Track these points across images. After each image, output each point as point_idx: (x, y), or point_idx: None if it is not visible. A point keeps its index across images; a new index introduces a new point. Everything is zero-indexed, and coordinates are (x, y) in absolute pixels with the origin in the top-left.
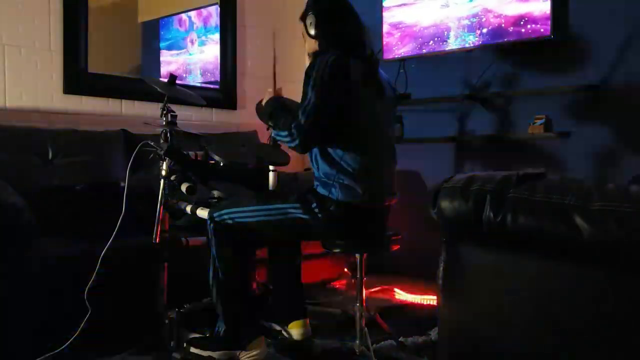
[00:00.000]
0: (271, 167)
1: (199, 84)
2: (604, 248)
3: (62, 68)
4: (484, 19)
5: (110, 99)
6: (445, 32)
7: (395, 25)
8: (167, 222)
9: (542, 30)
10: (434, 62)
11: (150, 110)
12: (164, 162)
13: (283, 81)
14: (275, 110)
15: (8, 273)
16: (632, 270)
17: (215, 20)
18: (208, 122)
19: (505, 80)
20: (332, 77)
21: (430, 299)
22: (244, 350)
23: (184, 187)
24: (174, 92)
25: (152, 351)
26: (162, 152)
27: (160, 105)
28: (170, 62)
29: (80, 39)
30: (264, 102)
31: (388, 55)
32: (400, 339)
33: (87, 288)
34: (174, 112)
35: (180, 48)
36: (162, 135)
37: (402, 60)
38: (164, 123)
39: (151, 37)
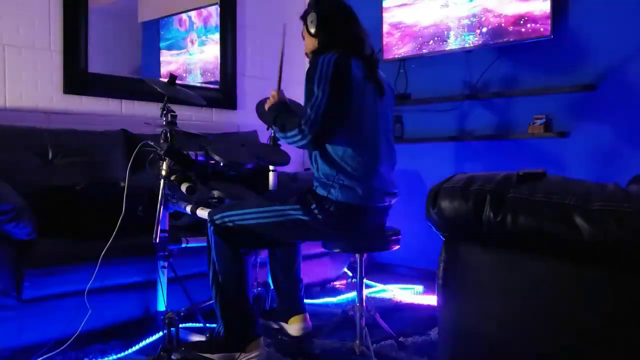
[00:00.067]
0: (271, 167)
1: (199, 84)
2: (604, 248)
3: (62, 68)
4: (483, 19)
5: (110, 99)
6: (445, 32)
7: (395, 25)
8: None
9: (541, 29)
10: (434, 62)
11: (150, 110)
12: (164, 162)
13: (283, 81)
14: (281, 113)
15: (8, 273)
16: (632, 270)
17: (215, 20)
18: (208, 122)
19: (505, 80)
20: (335, 73)
21: (430, 299)
22: (243, 352)
23: (184, 187)
24: (174, 92)
25: (152, 351)
26: (162, 152)
27: (160, 105)
28: (170, 62)
29: (80, 39)
30: (267, 105)
31: (388, 55)
32: (400, 339)
33: (87, 288)
34: (174, 112)
35: (180, 48)
36: (162, 135)
37: (402, 60)
38: (164, 123)
39: (151, 37)
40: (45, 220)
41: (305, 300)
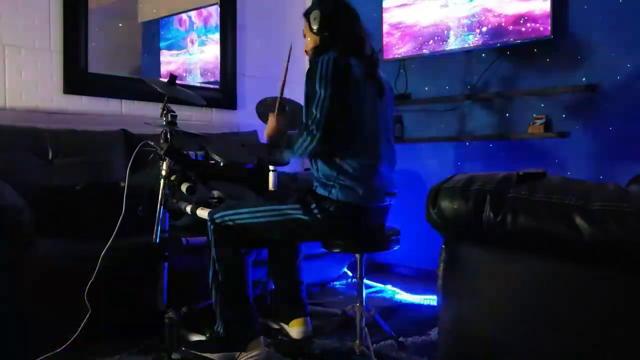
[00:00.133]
0: (271, 167)
1: (199, 84)
2: (604, 248)
3: (62, 68)
4: (483, 18)
5: (110, 99)
6: (445, 32)
7: (395, 26)
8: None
9: (541, 29)
10: (434, 62)
11: (150, 110)
12: (164, 162)
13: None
14: (281, 139)
15: (8, 273)
16: (632, 270)
17: (215, 20)
18: (208, 122)
19: (505, 80)
20: (335, 72)
21: (430, 299)
22: (243, 352)
23: (184, 187)
24: (174, 92)
25: (152, 351)
26: (162, 152)
27: (160, 105)
28: (170, 62)
29: (80, 39)
30: (266, 134)
31: (388, 55)
32: (400, 339)
33: (87, 288)
34: (174, 112)
35: (180, 48)
36: (162, 135)
37: (402, 60)
38: (164, 123)
39: (151, 37)
40: (45, 220)
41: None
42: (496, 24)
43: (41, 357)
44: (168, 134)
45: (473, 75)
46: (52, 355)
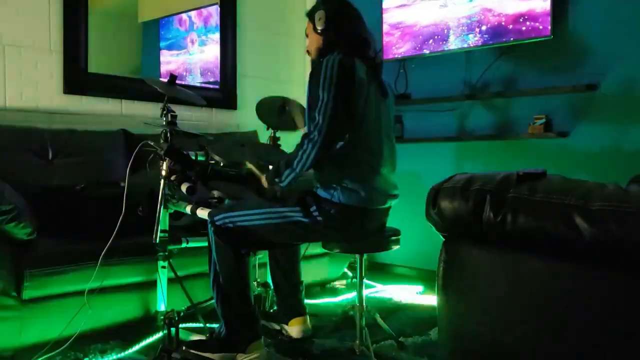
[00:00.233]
0: (271, 167)
1: (199, 84)
2: (604, 248)
3: (62, 68)
4: (482, 18)
5: (110, 99)
6: (445, 31)
7: (395, 26)
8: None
9: (540, 28)
10: (434, 62)
11: (150, 110)
12: (164, 162)
13: (283, 81)
14: (278, 163)
15: (8, 273)
16: (632, 270)
17: (215, 20)
18: (208, 122)
19: (505, 80)
20: (340, 75)
21: (430, 299)
22: (243, 353)
23: (184, 187)
24: (174, 92)
25: (152, 351)
26: (162, 152)
27: (160, 105)
28: (170, 62)
29: (80, 39)
30: (265, 182)
31: (388, 55)
32: (400, 339)
33: (87, 288)
34: (174, 112)
35: (180, 48)
36: (162, 135)
37: (402, 60)
38: (164, 123)
39: (151, 37)
40: (45, 220)
41: (306, 301)
42: (496, 23)
43: (41, 357)
44: (168, 134)
45: (473, 75)
46: (52, 355)
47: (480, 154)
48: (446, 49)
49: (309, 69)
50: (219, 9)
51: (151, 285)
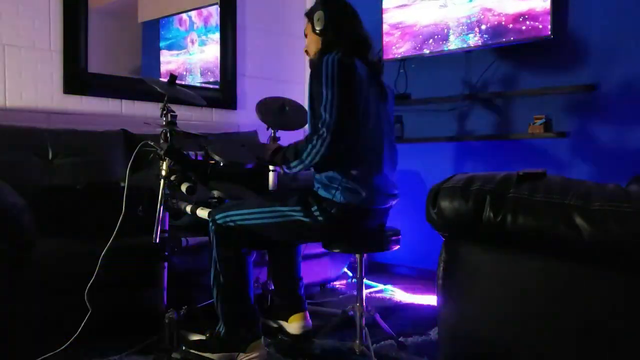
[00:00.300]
0: (271, 167)
1: (199, 84)
2: (604, 248)
3: (62, 68)
4: (482, 17)
5: (110, 99)
6: (445, 30)
7: (395, 25)
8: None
9: (540, 27)
10: (434, 62)
11: (150, 110)
12: (164, 162)
13: (283, 81)
14: (283, 149)
15: (8, 273)
16: (632, 270)
17: (215, 20)
18: (208, 122)
19: (505, 80)
20: (340, 73)
21: (430, 299)
22: (243, 353)
23: (184, 187)
24: (174, 92)
25: (152, 351)
26: (162, 152)
27: (160, 105)
28: (170, 61)
29: (80, 39)
30: (267, 155)
31: (388, 55)
32: (400, 339)
33: (87, 288)
34: (174, 112)
35: (180, 48)
36: (162, 135)
37: (402, 60)
38: (164, 123)
39: (151, 37)
40: (45, 220)
41: (306, 301)
42: (495, 22)
43: (41, 357)
44: (168, 134)
45: (473, 75)
46: (52, 355)
47: (480, 154)
48: (446, 49)
49: (308, 69)
50: (219, 9)
51: (151, 285)
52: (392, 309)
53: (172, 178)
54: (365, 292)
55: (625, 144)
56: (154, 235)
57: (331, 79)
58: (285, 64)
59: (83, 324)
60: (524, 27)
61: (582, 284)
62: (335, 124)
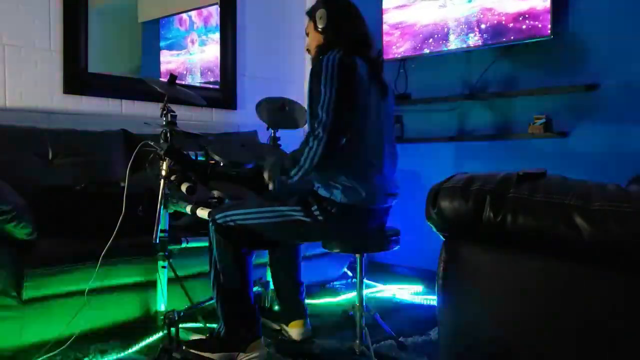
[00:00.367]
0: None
1: (199, 84)
2: (604, 248)
3: (62, 68)
4: (482, 17)
5: (110, 99)
6: (445, 30)
7: (395, 25)
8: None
9: (540, 26)
10: (434, 62)
11: (150, 110)
12: (164, 162)
13: (283, 81)
14: (281, 159)
15: (8, 273)
16: (632, 270)
17: (215, 20)
18: (208, 122)
19: (505, 80)
20: (340, 72)
21: (430, 299)
22: (243, 352)
23: (184, 187)
24: (174, 92)
25: (152, 351)
26: (162, 152)
27: (160, 105)
28: (170, 61)
29: (80, 39)
30: (267, 174)
31: (388, 55)
32: (400, 339)
33: (87, 287)
34: (174, 112)
35: (180, 48)
36: (162, 135)
37: (402, 60)
38: (164, 123)
39: (151, 37)
40: (45, 220)
41: (306, 300)
42: (495, 22)
43: (41, 357)
44: (168, 134)
45: (473, 75)
46: (52, 355)
47: (480, 154)
48: (446, 49)
49: (309, 69)
50: (219, 9)
51: (151, 285)
52: (392, 309)
53: (172, 178)
54: (365, 292)
55: (625, 144)
56: (154, 235)
57: (330, 79)
58: (285, 64)
59: (83, 324)
60: (524, 27)
61: (582, 284)
62: (332, 123)
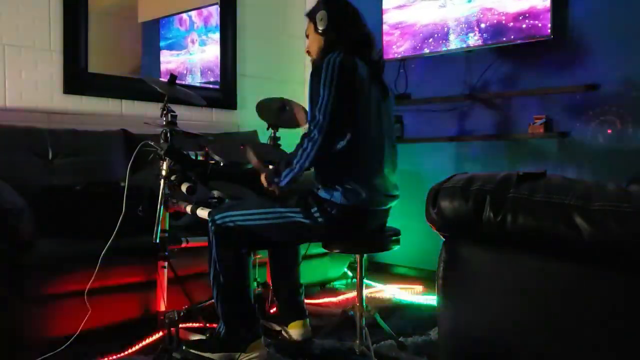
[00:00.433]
0: (271, 167)
1: (199, 84)
2: (604, 248)
3: (62, 68)
4: (482, 16)
5: (110, 99)
6: (445, 29)
7: (395, 25)
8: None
9: (539, 25)
10: (434, 62)
11: (150, 110)
12: (164, 162)
13: (283, 81)
14: (277, 163)
15: (8, 273)
16: (632, 270)
17: (215, 19)
18: (208, 122)
19: (505, 80)
20: (341, 74)
21: (430, 299)
22: (243, 353)
23: (184, 187)
24: (174, 92)
25: (152, 351)
26: (162, 152)
27: (160, 105)
28: (170, 61)
29: (80, 39)
30: (264, 181)
31: (388, 55)
32: (400, 339)
33: (87, 288)
34: (174, 112)
35: (181, 48)
36: (162, 135)
37: (402, 60)
38: (164, 123)
39: (151, 37)
40: (45, 220)
41: (306, 300)
42: (495, 22)
43: (41, 357)
44: (168, 134)
45: (473, 75)
46: (52, 355)
47: (480, 154)
48: (446, 48)
49: (309, 69)
50: (219, 9)
51: (151, 285)
52: (392, 309)
53: (172, 178)
54: (365, 292)
55: (625, 144)
56: (154, 235)
57: (330, 80)
58: (285, 64)
59: (83, 324)
60: (524, 26)
61: (582, 284)
62: (328, 125)
